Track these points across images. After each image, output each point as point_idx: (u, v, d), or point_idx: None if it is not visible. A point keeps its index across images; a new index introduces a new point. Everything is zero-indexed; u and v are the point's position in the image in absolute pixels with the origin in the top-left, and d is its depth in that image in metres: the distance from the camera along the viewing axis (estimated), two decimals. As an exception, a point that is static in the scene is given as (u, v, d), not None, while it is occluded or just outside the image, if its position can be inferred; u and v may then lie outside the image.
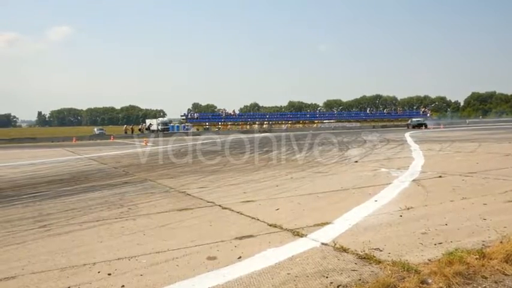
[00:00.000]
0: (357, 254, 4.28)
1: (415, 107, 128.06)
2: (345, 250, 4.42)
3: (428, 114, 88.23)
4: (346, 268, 3.91)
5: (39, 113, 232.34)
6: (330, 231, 5.25)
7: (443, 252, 4.21)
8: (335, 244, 4.62)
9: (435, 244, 4.56)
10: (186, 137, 42.67)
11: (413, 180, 9.20)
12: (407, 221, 5.66)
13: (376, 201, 7.07)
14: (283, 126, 72.62)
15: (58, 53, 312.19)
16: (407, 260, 4.00)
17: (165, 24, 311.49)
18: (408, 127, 55.28)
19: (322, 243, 4.71)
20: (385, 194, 7.74)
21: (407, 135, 30.72)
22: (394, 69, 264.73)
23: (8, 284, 3.84)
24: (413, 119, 61.80)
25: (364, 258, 4.15)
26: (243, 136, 41.41)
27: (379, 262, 4.02)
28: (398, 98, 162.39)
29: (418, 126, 54.65)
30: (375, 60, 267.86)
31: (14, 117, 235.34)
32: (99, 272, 4.04)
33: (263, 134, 45.03)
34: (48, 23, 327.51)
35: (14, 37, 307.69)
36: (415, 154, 15.80)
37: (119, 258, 4.43)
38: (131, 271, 4.04)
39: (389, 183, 8.90)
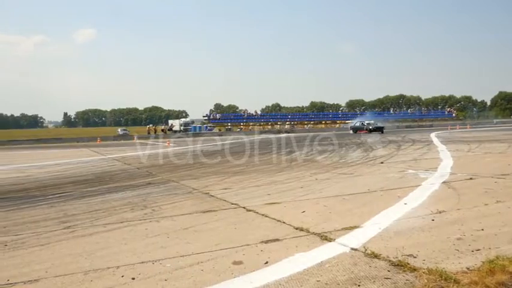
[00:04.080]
0: (390, 261, 4.08)
1: (439, 107, 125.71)
2: (376, 256, 4.23)
3: (453, 114, 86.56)
4: (378, 276, 3.72)
5: (65, 114, 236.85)
6: (359, 235, 5.05)
7: (482, 260, 3.98)
8: (365, 249, 4.43)
9: (472, 251, 4.32)
10: (208, 137, 42.75)
11: (443, 183, 8.88)
12: (440, 225, 5.42)
13: (405, 204, 6.82)
14: (305, 126, 72.24)
15: (83, 55, 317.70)
16: (444, 268, 3.78)
17: (185, 25, 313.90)
18: (354, 131, 43.40)
19: (352, 249, 4.52)
20: (415, 196, 7.47)
21: (433, 136, 30.04)
22: (418, 69, 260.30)
23: (32, 288, 3.79)
24: (361, 121, 46.91)
25: (398, 265, 3.95)
26: (264, 136, 41.26)
27: (413, 270, 3.81)
28: (423, 98, 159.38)
29: (371, 131, 40.98)
30: (398, 59, 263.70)
31: (41, 118, 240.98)
32: (122, 276, 3.95)
33: (285, 135, 44.77)
34: (74, 26, 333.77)
35: (41, 40, 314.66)
36: (442, 155, 15.36)
37: (142, 262, 4.34)
38: (155, 276, 3.94)
39: (418, 185, 8.61)
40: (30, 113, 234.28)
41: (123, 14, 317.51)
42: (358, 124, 45.16)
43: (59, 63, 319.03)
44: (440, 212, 6.10)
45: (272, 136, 41.44)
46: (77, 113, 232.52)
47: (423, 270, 3.77)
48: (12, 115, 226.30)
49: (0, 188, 10.75)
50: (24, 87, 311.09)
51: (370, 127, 41.87)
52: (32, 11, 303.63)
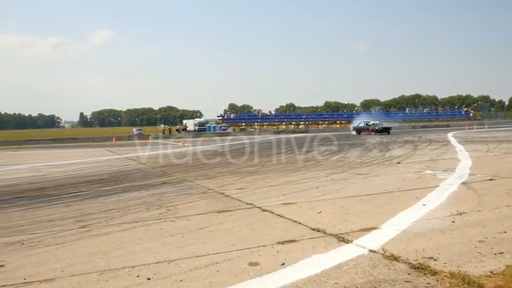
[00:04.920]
0: (410, 263, 3.97)
1: (456, 107, 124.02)
2: (395, 258, 4.13)
3: (470, 114, 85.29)
4: (398, 279, 3.62)
5: (81, 114, 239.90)
6: (377, 237, 4.95)
7: (506, 263, 3.87)
8: (384, 252, 4.33)
9: (495, 254, 4.19)
10: (222, 137, 42.78)
11: (463, 183, 8.70)
12: (461, 227, 5.29)
13: (424, 205, 6.68)
14: (320, 126, 71.86)
15: (99, 56, 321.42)
16: (466, 272, 3.67)
17: (201, 26, 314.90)
18: (358, 132, 40.40)
19: (370, 250, 4.42)
20: (433, 197, 7.32)
21: (450, 136, 29.60)
22: (434, 68, 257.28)
23: (47, 287, 3.78)
24: (365, 121, 42.73)
25: (418, 268, 3.85)
26: (278, 137, 41.12)
27: (435, 273, 3.71)
28: (439, 98, 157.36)
29: (377, 132, 37.71)
30: (414, 59, 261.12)
31: (58, 118, 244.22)
32: (138, 276, 3.92)
33: (300, 135, 44.57)
34: (90, 27, 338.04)
35: (59, 41, 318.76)
36: (460, 155, 15.10)
37: (158, 262, 4.31)
38: (171, 276, 3.90)
39: (437, 186, 8.45)
40: (47, 113, 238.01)
41: (139, 15, 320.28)
42: (362, 124, 41.63)
43: (75, 64, 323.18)
44: (460, 214, 5.95)
45: (286, 136, 41.27)
46: (93, 113, 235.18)
47: (445, 274, 3.66)
48: (30, 115, 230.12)
49: (17, 187, 10.86)
50: (42, 88, 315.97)
51: (376, 128, 38.44)
52: (50, 13, 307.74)
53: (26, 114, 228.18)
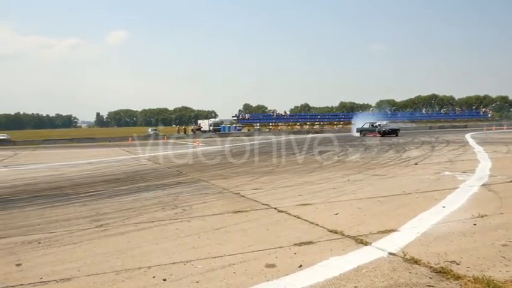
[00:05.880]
0: (431, 267, 3.87)
1: (474, 107, 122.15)
2: (416, 262, 4.02)
3: (489, 115, 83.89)
4: (420, 283, 3.52)
5: (98, 114, 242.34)
6: (396, 239, 4.84)
7: (532, 268, 3.73)
8: (405, 254, 4.23)
9: (520, 258, 4.05)
10: (237, 137, 42.81)
11: (483, 185, 8.51)
12: (483, 230, 5.15)
13: (444, 207, 6.54)
14: (335, 126, 71.38)
15: (115, 57, 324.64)
16: (490, 277, 3.56)
17: (215, 27, 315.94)
18: (362, 134, 37.32)
19: (390, 253, 4.32)
20: (453, 199, 7.17)
21: (468, 137, 29.13)
22: (451, 68, 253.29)
23: (64, 286, 3.77)
24: (371, 122, 38.98)
25: (440, 272, 3.74)
26: (293, 137, 40.96)
27: (458, 277, 3.60)
28: (456, 98, 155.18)
29: (384, 134, 34.49)
30: (430, 58, 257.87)
31: (75, 118, 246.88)
32: (154, 277, 3.88)
33: (314, 135, 44.33)
34: (105, 28, 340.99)
35: (75, 42, 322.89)
36: (479, 156, 14.81)
37: (174, 263, 4.27)
38: (187, 277, 3.86)
39: (456, 188, 8.28)
40: (64, 114, 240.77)
41: (154, 15, 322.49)
42: (366, 125, 38.23)
43: (92, 64, 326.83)
44: (482, 216, 5.80)
45: (301, 137, 41.10)
46: (109, 113, 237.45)
47: (468, 278, 3.55)
48: (47, 115, 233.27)
49: (35, 186, 10.97)
50: (60, 88, 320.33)
51: (383, 129, 35.16)
52: (67, 14, 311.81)
53: (44, 115, 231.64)
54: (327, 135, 40.51)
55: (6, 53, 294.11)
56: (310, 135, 43.62)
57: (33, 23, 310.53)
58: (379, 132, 34.90)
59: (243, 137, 43.44)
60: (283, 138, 39.62)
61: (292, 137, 41.64)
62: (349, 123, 75.73)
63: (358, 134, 37.83)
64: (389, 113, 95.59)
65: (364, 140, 30.30)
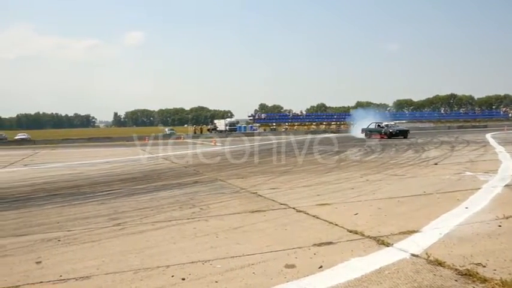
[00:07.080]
0: (456, 270, 3.75)
1: (494, 107, 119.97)
2: (440, 264, 3.91)
3: (509, 115, 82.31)
4: (445, 286, 3.42)
5: (115, 114, 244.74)
6: (419, 240, 4.72)
7: None
8: (428, 256, 4.11)
9: (550, 261, 3.91)
10: (253, 137, 42.81)
11: (507, 186, 8.30)
12: (508, 232, 5.00)
13: (466, 208, 6.38)
14: (352, 126, 70.75)
15: (132, 57, 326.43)
16: (519, 280, 3.43)
17: (231, 26, 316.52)
18: (367, 135, 34.41)
19: (412, 255, 4.22)
20: (476, 200, 7.00)
21: (489, 137, 28.59)
22: (470, 67, 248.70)
23: (83, 285, 3.76)
24: (377, 122, 35.88)
25: (466, 274, 3.63)
26: (310, 136, 40.77)
27: (484, 281, 3.48)
28: (475, 97, 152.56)
29: (392, 135, 31.41)
30: (448, 58, 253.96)
31: (93, 118, 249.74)
32: (172, 276, 3.85)
33: (331, 135, 44.04)
34: (123, 29, 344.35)
35: (93, 43, 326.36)
36: (501, 156, 14.49)
37: (192, 262, 4.23)
38: (205, 277, 3.81)
39: (479, 188, 8.09)
40: (82, 113, 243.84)
41: (170, 16, 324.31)
42: (372, 126, 35.23)
43: (109, 65, 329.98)
44: (507, 218, 5.64)
45: (318, 136, 40.85)
46: (126, 113, 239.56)
47: (495, 282, 3.43)
48: (66, 115, 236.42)
49: (54, 185, 11.09)
50: (78, 88, 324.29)
51: (390, 130, 32.23)
52: (85, 16, 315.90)
53: (63, 114, 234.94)
54: (344, 135, 40.19)
55: (27, 54, 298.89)
56: (327, 135, 43.37)
57: (52, 23, 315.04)
58: (385, 133, 32.11)
59: (258, 137, 43.37)
60: (300, 137, 39.44)
61: (309, 136, 41.46)
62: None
63: (363, 135, 35.08)
64: (406, 112, 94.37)
65: (374, 140, 29.07)
